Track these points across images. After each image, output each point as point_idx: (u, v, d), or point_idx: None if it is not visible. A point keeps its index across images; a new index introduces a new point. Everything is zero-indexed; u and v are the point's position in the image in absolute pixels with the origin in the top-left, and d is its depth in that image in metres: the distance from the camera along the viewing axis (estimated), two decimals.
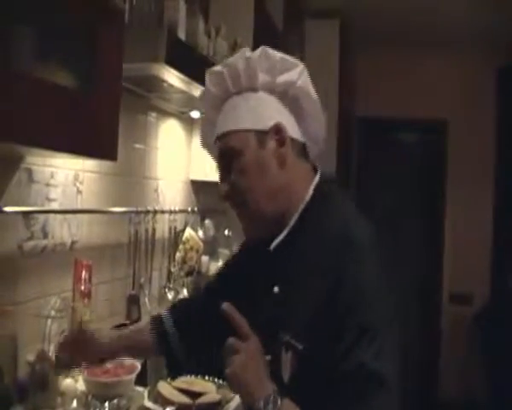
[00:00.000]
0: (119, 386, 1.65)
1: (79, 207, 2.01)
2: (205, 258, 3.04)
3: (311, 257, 1.18)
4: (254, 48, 3.08)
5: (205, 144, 1.40)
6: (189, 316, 1.50)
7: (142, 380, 1.81)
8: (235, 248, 3.31)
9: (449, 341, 4.99)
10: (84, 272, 1.98)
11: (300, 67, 1.23)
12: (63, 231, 1.91)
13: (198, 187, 3.12)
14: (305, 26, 4.09)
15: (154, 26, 1.85)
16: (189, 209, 2.88)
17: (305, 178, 1.25)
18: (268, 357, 1.15)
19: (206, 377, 1.94)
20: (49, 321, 1.74)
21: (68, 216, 1.93)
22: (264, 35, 3.04)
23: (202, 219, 3.12)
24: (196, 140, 3.02)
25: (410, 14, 4.00)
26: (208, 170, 2.98)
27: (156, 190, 2.64)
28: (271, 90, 1.23)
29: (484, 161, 4.95)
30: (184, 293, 2.72)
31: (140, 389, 1.83)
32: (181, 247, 2.72)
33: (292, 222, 1.22)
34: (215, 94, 1.28)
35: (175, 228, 2.74)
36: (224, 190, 1.25)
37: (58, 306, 1.79)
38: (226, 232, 3.34)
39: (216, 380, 1.93)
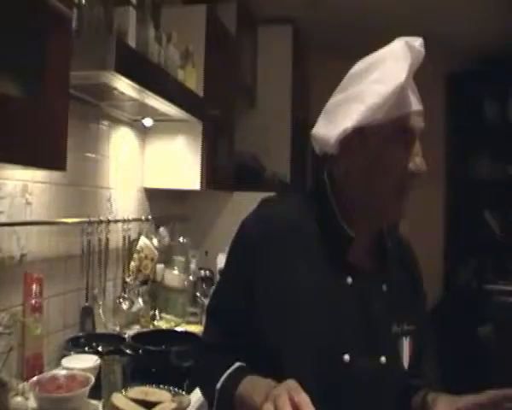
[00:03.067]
0: (72, 401, 1.62)
1: (29, 218, 1.96)
2: (160, 266, 3.01)
3: (396, 255, 1.29)
4: (206, 54, 3.08)
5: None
6: None
7: (96, 393, 1.77)
8: (191, 254, 3.29)
9: None
10: (34, 286, 1.93)
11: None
12: (12, 244, 1.86)
13: (152, 195, 3.09)
14: (257, 32, 4.10)
15: (103, 33, 1.82)
16: (143, 218, 2.85)
17: None
18: (383, 358, 1.17)
19: (161, 386, 1.92)
20: None
21: (17, 228, 1.88)
22: (216, 41, 3.04)
23: (157, 227, 3.09)
24: (149, 148, 2.99)
25: (363, 21, 4.06)
26: (162, 178, 2.97)
27: (109, 200, 2.60)
28: None
29: (435, 163, 5.05)
30: (140, 302, 2.68)
31: (94, 402, 1.79)
32: (135, 256, 2.69)
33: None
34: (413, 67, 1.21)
35: (129, 237, 2.71)
36: (424, 170, 1.20)
37: (6, 322, 1.74)
38: (181, 240, 3.31)
39: (171, 388, 1.90)
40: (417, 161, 1.17)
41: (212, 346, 1.30)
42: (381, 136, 1.16)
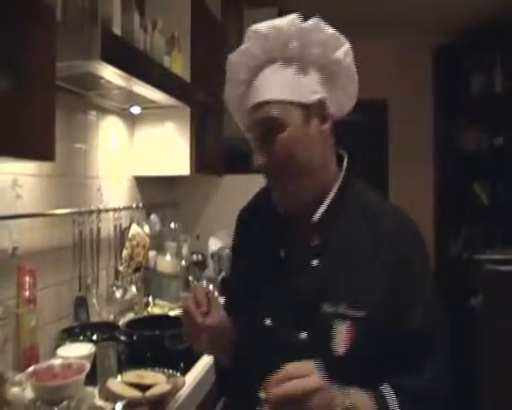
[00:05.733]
0: (68, 388, 1.62)
1: (20, 211, 1.96)
2: (152, 253, 3.02)
3: (359, 233, 1.19)
4: (192, 40, 3.06)
5: (233, 106, 1.34)
6: None
7: (92, 380, 1.78)
8: (183, 239, 3.31)
9: None
10: (27, 278, 1.94)
11: (347, 46, 1.22)
12: (3, 237, 1.86)
13: (142, 183, 3.09)
14: (243, 14, 4.08)
15: (88, 22, 1.80)
16: (134, 206, 2.85)
17: (335, 156, 1.27)
18: (304, 334, 1.16)
19: (157, 369, 1.94)
20: None
21: (8, 222, 1.88)
22: (202, 26, 3.02)
23: (147, 215, 3.09)
24: (138, 136, 2.99)
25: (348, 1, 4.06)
26: (151, 165, 2.97)
27: (99, 189, 2.60)
28: (317, 63, 1.20)
29: (423, 138, 5.13)
30: (133, 290, 2.70)
31: (90, 388, 1.80)
32: (127, 244, 2.70)
33: (332, 194, 1.23)
34: (255, 55, 1.21)
35: (120, 226, 2.71)
36: (262, 161, 1.19)
37: (1, 314, 1.75)
38: (172, 225, 3.32)
39: (166, 370, 1.92)
40: (255, 158, 1.21)
41: None
42: None
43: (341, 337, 1.13)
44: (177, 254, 3.16)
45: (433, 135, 5.15)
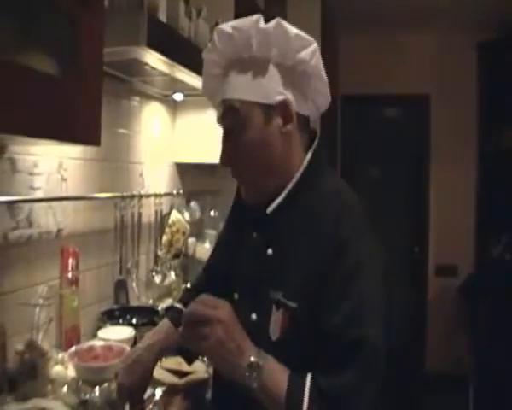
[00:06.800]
0: (109, 370, 1.65)
1: (64, 194, 2.00)
2: (191, 240, 3.05)
3: (308, 223, 1.19)
4: None
5: (208, 99, 1.42)
6: None
7: None
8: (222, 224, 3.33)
9: (435, 312, 5.07)
10: (70, 260, 1.98)
11: (314, 46, 1.22)
12: (49, 219, 1.90)
13: (183, 169, 3.11)
14: (286, 4, 4.06)
15: (134, 9, 1.83)
16: (175, 192, 2.88)
17: (303, 149, 1.28)
18: (254, 316, 1.21)
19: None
20: (37, 310, 1.75)
21: (53, 204, 1.92)
22: (245, 15, 3.01)
23: (188, 202, 3.12)
24: (180, 122, 3.01)
25: None
26: (192, 152, 2.98)
27: (141, 175, 2.63)
28: (281, 64, 1.21)
29: (466, 135, 5.00)
30: (172, 276, 2.72)
31: None
32: (167, 230, 2.72)
33: (288, 188, 1.24)
34: (223, 53, 1.25)
35: (161, 211, 2.74)
36: (223, 158, 1.26)
37: (45, 294, 1.79)
38: (212, 213, 3.34)
39: (205, 359, 1.94)
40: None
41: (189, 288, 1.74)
42: None
43: (275, 324, 1.17)
44: None
45: (476, 133, 5.00)
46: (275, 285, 1.18)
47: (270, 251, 1.23)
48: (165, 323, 1.48)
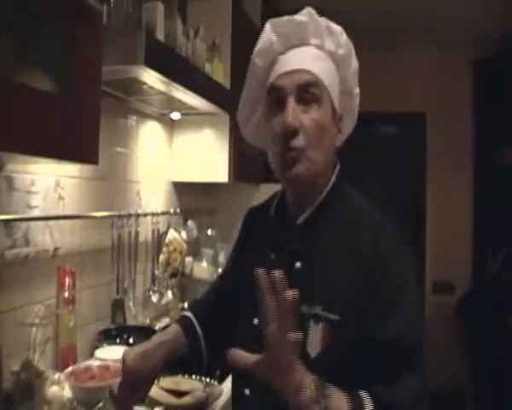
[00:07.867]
0: (105, 391, 1.63)
1: (61, 213, 1.99)
2: (189, 259, 3.03)
3: (338, 237, 1.20)
4: (233, 47, 3.08)
5: (250, 82, 1.39)
6: (209, 316, 1.50)
7: None
8: (219, 247, 3.32)
9: (432, 329, 5.04)
10: (67, 279, 1.97)
11: (351, 45, 1.29)
12: (45, 238, 1.89)
13: (180, 188, 3.11)
14: None
15: (132, 28, 1.84)
16: (172, 211, 2.87)
17: (333, 159, 1.29)
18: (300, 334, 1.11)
19: (194, 376, 1.94)
20: (34, 329, 1.73)
21: (50, 223, 1.91)
22: (242, 34, 3.04)
23: (185, 221, 3.11)
24: (177, 142, 3.02)
25: (386, 8, 4.03)
26: (190, 171, 2.99)
27: (138, 193, 2.63)
28: (339, 71, 1.27)
29: (463, 152, 5.02)
30: (169, 295, 2.71)
31: None
32: (164, 249, 2.71)
33: (318, 201, 1.24)
34: (276, 45, 1.27)
35: (158, 230, 2.73)
36: (293, 119, 1.16)
37: (42, 313, 1.78)
38: (209, 232, 3.34)
39: (203, 378, 1.93)
40: (283, 118, 1.17)
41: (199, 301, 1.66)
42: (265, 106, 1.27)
43: (315, 339, 1.13)
44: (214, 261, 3.17)
45: (472, 149, 5.02)
46: (307, 299, 1.13)
47: (298, 264, 1.21)
48: (174, 327, 1.47)
